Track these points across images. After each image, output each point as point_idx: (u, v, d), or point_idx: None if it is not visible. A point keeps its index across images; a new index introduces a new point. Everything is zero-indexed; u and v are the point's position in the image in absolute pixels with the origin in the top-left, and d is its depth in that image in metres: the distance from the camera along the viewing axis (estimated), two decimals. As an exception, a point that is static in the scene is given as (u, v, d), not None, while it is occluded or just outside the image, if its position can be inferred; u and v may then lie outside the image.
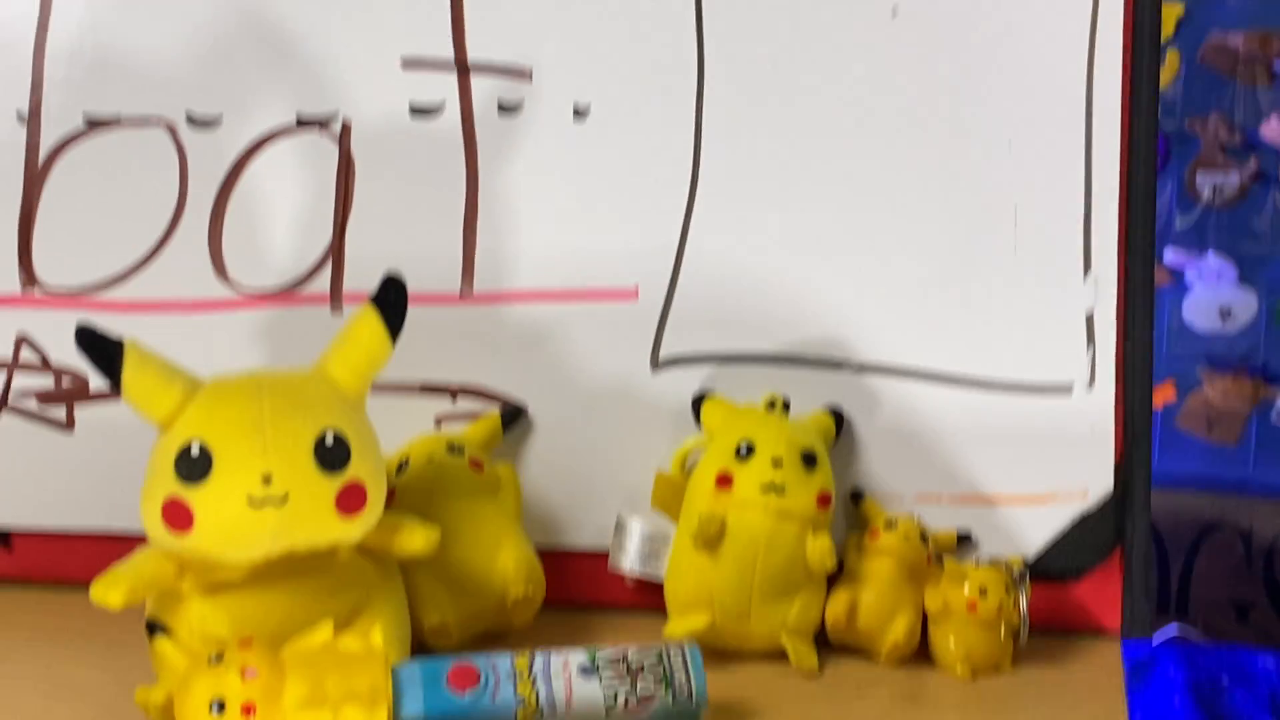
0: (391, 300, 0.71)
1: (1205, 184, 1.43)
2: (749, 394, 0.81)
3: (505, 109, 0.83)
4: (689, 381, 0.83)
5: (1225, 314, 1.44)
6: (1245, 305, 1.44)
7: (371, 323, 0.70)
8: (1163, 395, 1.45)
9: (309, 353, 0.71)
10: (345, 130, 0.83)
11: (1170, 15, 1.37)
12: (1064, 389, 0.81)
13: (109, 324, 0.68)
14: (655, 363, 0.83)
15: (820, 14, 0.81)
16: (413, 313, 0.71)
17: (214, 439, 0.66)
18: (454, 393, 0.84)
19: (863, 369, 0.82)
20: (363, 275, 0.80)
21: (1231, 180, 1.42)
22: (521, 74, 0.83)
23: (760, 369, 0.83)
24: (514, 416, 0.83)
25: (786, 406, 0.80)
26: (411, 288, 0.71)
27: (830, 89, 0.82)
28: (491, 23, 0.83)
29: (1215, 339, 1.44)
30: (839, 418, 0.82)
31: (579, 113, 0.83)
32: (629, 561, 0.80)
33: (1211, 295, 1.44)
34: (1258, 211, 1.43)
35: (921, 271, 0.81)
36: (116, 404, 0.68)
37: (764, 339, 0.82)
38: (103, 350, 0.68)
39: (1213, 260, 1.44)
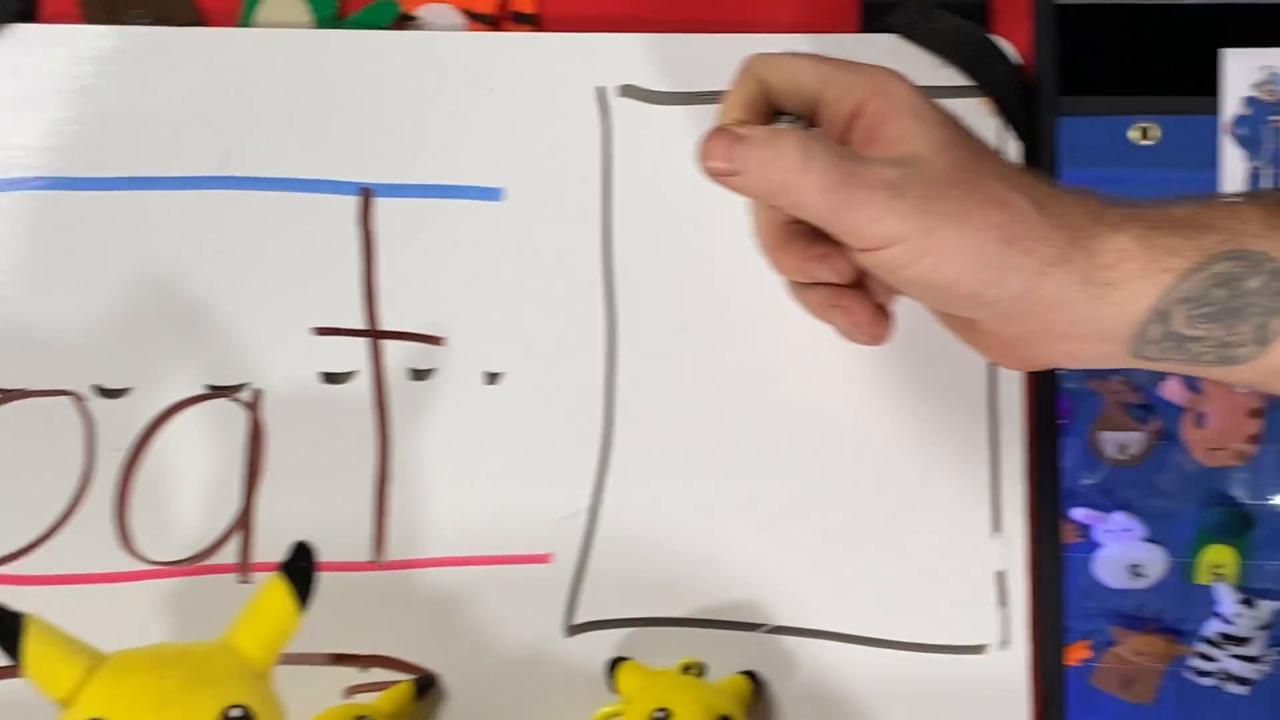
0: (301, 569, 0.69)
1: (1109, 442, 1.45)
2: (664, 658, 0.80)
3: (417, 375, 0.83)
4: (604, 647, 0.82)
5: (1135, 571, 1.45)
6: (1155, 562, 1.45)
7: (280, 593, 0.69)
8: (1077, 653, 1.45)
9: (217, 623, 0.70)
10: (256, 398, 0.83)
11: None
12: (977, 649, 0.81)
13: (11, 598, 0.66)
14: (569, 628, 0.82)
15: (727, 277, 0.83)
16: (323, 581, 0.70)
17: (116, 716, 0.64)
18: (365, 662, 0.82)
19: (778, 631, 0.82)
20: (272, 544, 0.79)
21: (1135, 439, 1.44)
22: (434, 341, 0.83)
23: (676, 633, 0.82)
24: (426, 685, 0.81)
25: (703, 670, 0.80)
26: (322, 556, 0.70)
27: (738, 353, 0.83)
28: (404, 291, 0.83)
29: (1127, 596, 1.45)
30: (756, 681, 0.81)
31: (491, 379, 0.83)
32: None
33: (1121, 552, 1.45)
34: (1162, 469, 1.45)
35: (832, 534, 0.82)
36: (16, 681, 0.66)
37: (679, 602, 0.82)
38: (3, 625, 0.66)
39: (1121, 518, 1.46)
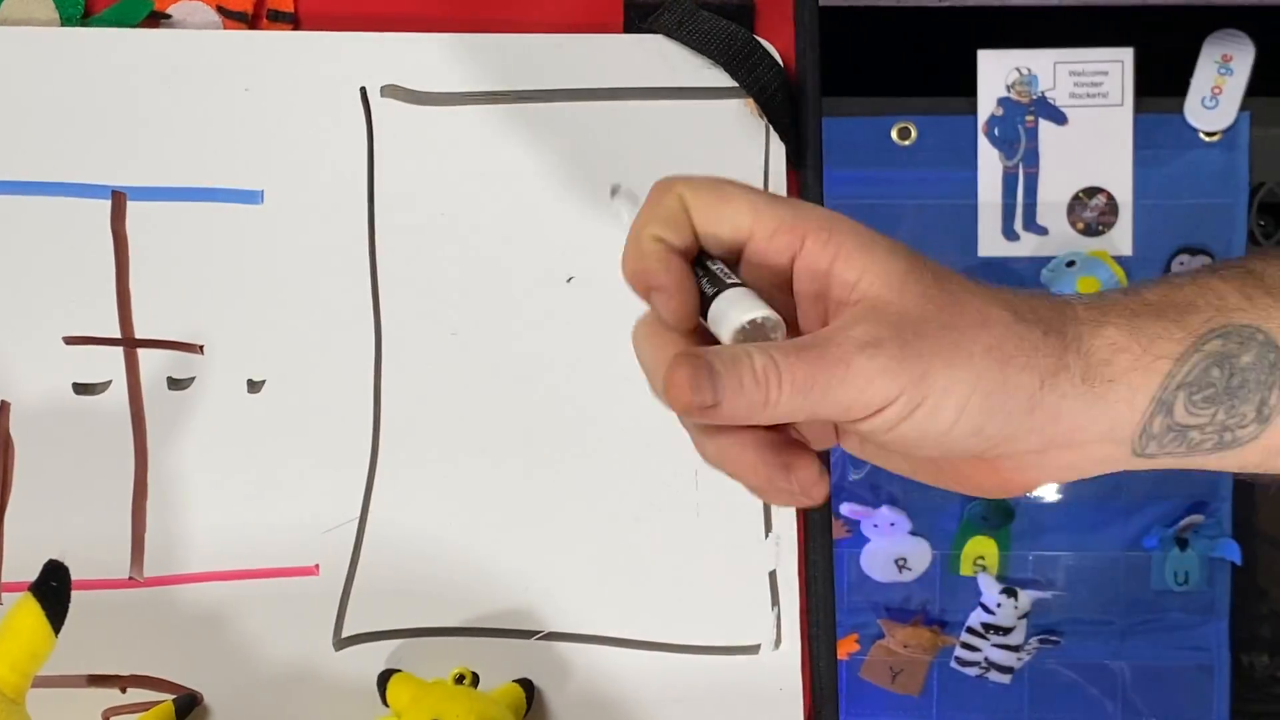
0: (54, 589, 0.67)
1: (875, 438, 1.48)
2: (437, 669, 0.80)
3: (176, 384, 0.81)
4: (374, 659, 0.81)
5: (902, 565, 1.48)
6: (920, 555, 1.48)
7: (32, 614, 0.67)
8: (846, 647, 1.48)
9: (-38, 649, 0.67)
10: (3, 410, 0.80)
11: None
12: (751, 649, 0.82)
13: None
14: (338, 641, 0.81)
15: (496, 282, 0.82)
16: (78, 600, 0.68)
17: None
18: (124, 683, 0.80)
19: (551, 638, 0.81)
20: (22, 563, 0.77)
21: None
22: (192, 349, 0.81)
23: (447, 642, 0.81)
24: (188, 706, 0.79)
25: (476, 680, 0.79)
26: (76, 574, 0.68)
27: (508, 357, 0.82)
28: (160, 298, 0.81)
29: (893, 589, 1.48)
30: (530, 688, 0.81)
31: (254, 387, 0.81)
32: None
33: (888, 546, 1.48)
34: (925, 463, 1.48)
35: (605, 539, 0.82)
36: None
37: (450, 612, 0.81)
38: None
39: (887, 512, 1.49)
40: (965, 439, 0.56)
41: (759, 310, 0.55)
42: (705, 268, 0.58)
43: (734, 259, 0.58)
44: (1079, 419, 0.57)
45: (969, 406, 0.55)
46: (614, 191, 0.68)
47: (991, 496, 0.63)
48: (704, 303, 0.57)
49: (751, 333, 0.55)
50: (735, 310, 0.55)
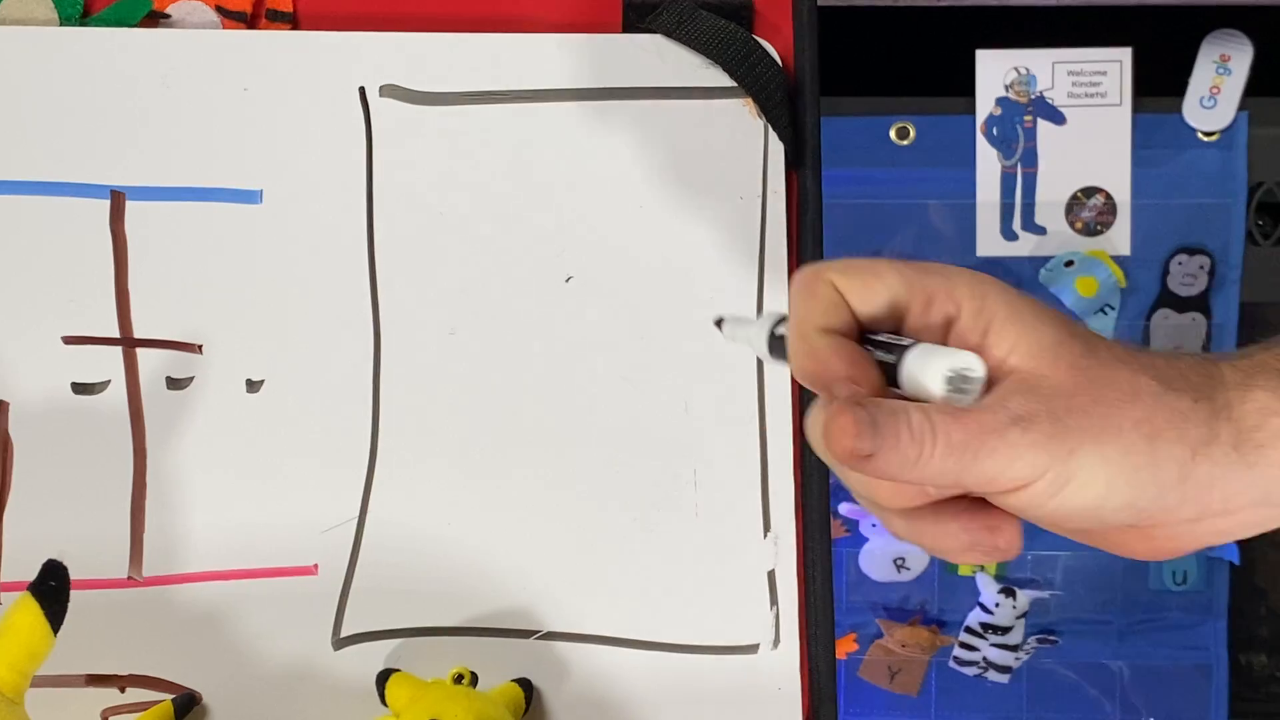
0: (52, 589, 0.67)
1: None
2: (435, 669, 0.79)
3: (174, 384, 0.81)
4: (373, 659, 0.81)
5: (900, 564, 1.48)
6: (919, 555, 1.48)
7: (31, 614, 0.67)
8: (844, 647, 1.48)
9: (-39, 649, 0.67)
10: (2, 410, 0.80)
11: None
12: (750, 649, 0.82)
13: None
14: (337, 641, 0.81)
15: (495, 281, 0.82)
16: (77, 600, 0.68)
17: None
18: (123, 683, 0.80)
19: (550, 637, 0.81)
20: (21, 563, 0.77)
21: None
22: (191, 348, 0.81)
23: (446, 642, 0.81)
24: (187, 705, 0.79)
25: (474, 679, 0.79)
26: (75, 574, 0.68)
27: (507, 357, 0.82)
28: (158, 298, 0.81)
29: (892, 589, 1.48)
30: (528, 688, 0.80)
31: (252, 386, 0.81)
32: None
33: (886, 546, 1.48)
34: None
35: (604, 538, 0.82)
36: None
37: (449, 612, 0.81)
38: None
39: (885, 512, 1.48)
40: (1116, 513, 0.56)
41: (958, 356, 0.55)
42: (874, 343, 0.57)
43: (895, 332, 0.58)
44: (1232, 487, 0.56)
45: (1117, 482, 0.55)
46: (719, 324, 0.67)
47: (1145, 559, 0.63)
48: (887, 374, 0.56)
49: (957, 381, 0.55)
50: (936, 360, 0.55)
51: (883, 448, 0.54)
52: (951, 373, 0.54)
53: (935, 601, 1.49)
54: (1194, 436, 0.55)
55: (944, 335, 0.57)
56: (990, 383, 0.55)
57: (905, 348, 0.56)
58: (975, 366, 0.55)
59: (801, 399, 0.82)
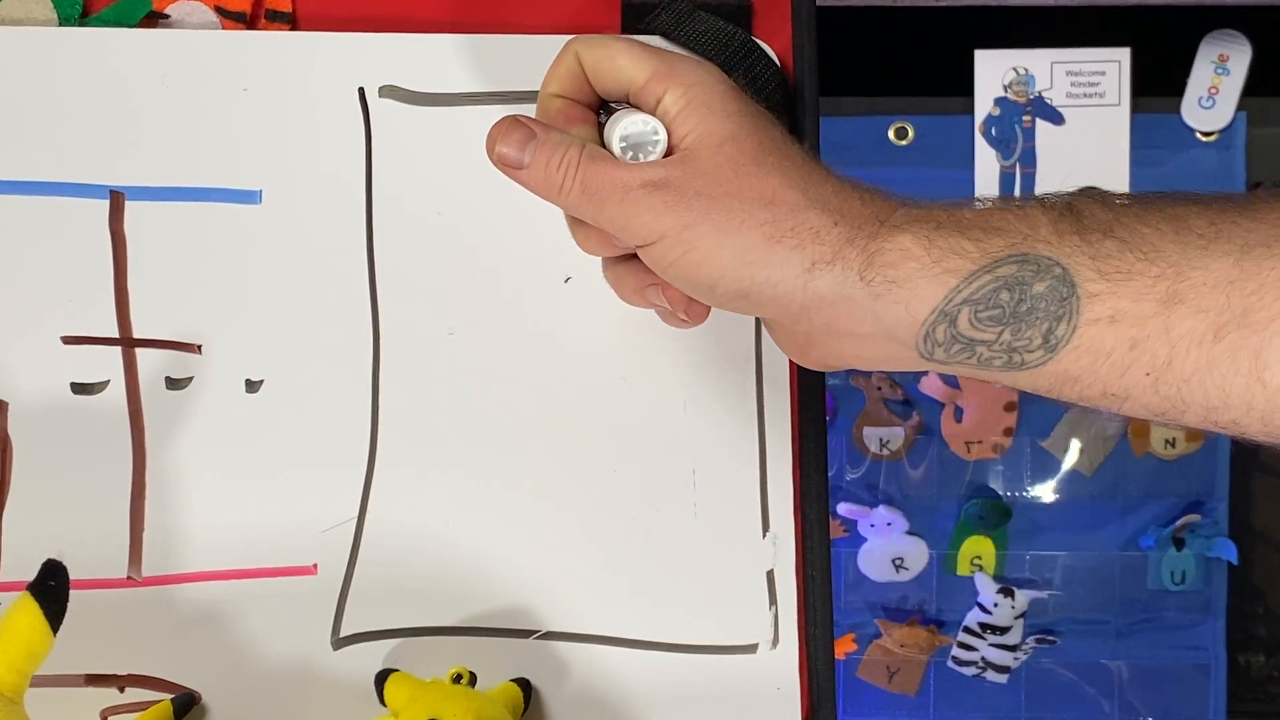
0: (51, 588, 0.67)
1: (872, 438, 1.48)
2: (434, 669, 0.79)
3: (174, 384, 0.81)
4: (372, 658, 0.81)
5: (899, 564, 1.48)
6: (917, 555, 1.48)
7: (30, 613, 0.67)
8: (843, 647, 1.48)
9: (-39, 649, 0.67)
10: (1, 410, 0.80)
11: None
12: (749, 649, 0.82)
13: None
14: (336, 641, 0.81)
15: (493, 280, 0.82)
16: (76, 600, 0.68)
17: None
18: (122, 682, 0.80)
19: (549, 637, 0.81)
20: (21, 563, 0.77)
21: (897, 434, 1.47)
22: (190, 348, 0.81)
23: (445, 642, 0.81)
24: (186, 705, 0.79)
25: (473, 679, 0.79)
26: (74, 573, 0.69)
27: (505, 356, 0.82)
28: (158, 298, 0.81)
29: (890, 589, 1.48)
30: (527, 688, 0.80)
31: (252, 387, 0.81)
32: None
33: (884, 546, 1.48)
34: (923, 463, 1.49)
35: (603, 538, 0.82)
36: None
37: (448, 611, 0.81)
38: None
39: (884, 512, 1.49)
40: (732, 298, 0.64)
41: (638, 120, 0.65)
42: (608, 109, 0.68)
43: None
44: (856, 311, 0.62)
45: (731, 269, 0.63)
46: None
47: (810, 367, 0.71)
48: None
49: (635, 141, 0.65)
50: (623, 121, 0.65)
51: (533, 165, 0.65)
52: (627, 132, 0.65)
53: (934, 601, 1.49)
54: (816, 252, 0.62)
55: (654, 110, 0.66)
56: (670, 153, 0.65)
57: (613, 112, 0.67)
58: (655, 129, 0.65)
59: (801, 399, 0.82)
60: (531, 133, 0.65)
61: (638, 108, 0.66)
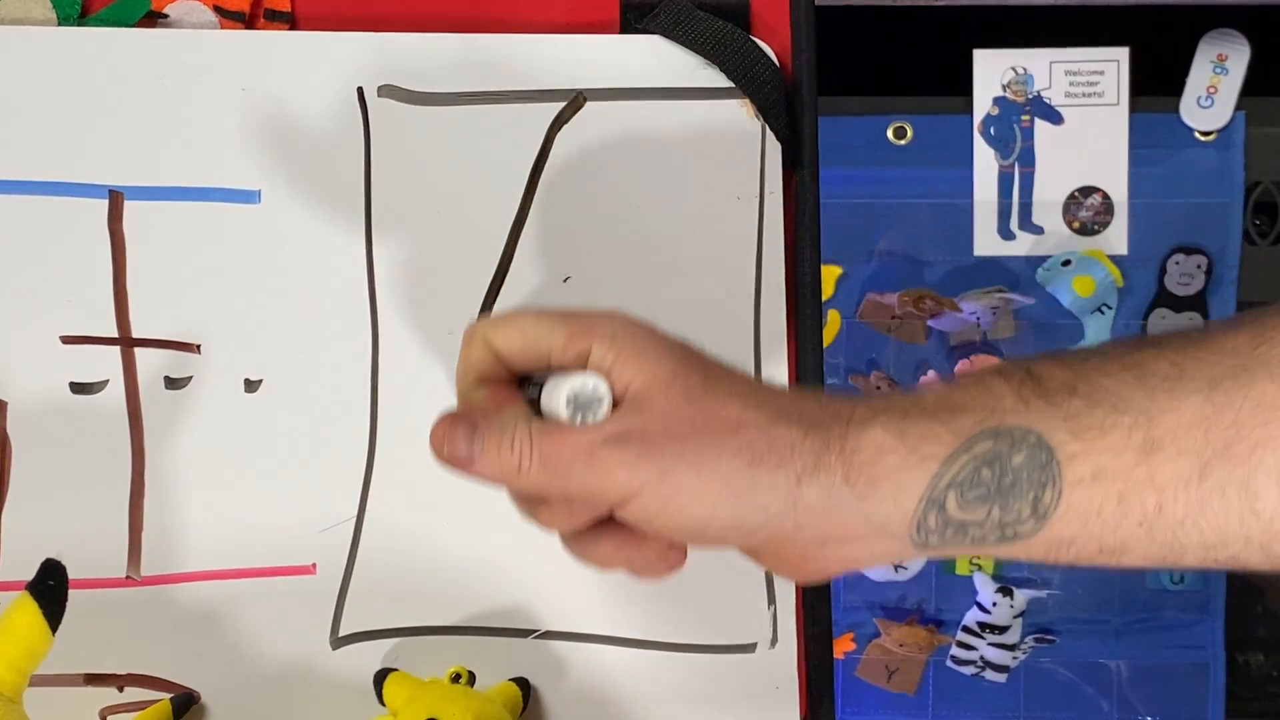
0: (51, 588, 0.68)
1: (871, 437, 1.48)
2: (433, 668, 0.80)
3: (173, 383, 0.81)
4: (371, 658, 0.81)
5: (897, 564, 1.48)
6: (916, 554, 1.48)
7: (29, 613, 0.67)
8: (842, 646, 1.48)
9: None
10: (0, 410, 0.80)
11: (830, 276, 1.43)
12: (748, 648, 0.82)
13: None
14: (335, 640, 0.81)
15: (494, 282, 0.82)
16: (75, 599, 0.69)
17: None
18: (121, 682, 0.80)
19: (547, 636, 0.81)
20: (20, 563, 0.76)
21: (895, 433, 1.47)
22: (189, 348, 0.81)
23: (444, 641, 0.81)
24: (186, 704, 0.79)
25: (472, 679, 0.79)
26: (73, 573, 0.69)
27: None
28: (157, 297, 0.81)
29: (889, 588, 1.48)
30: (526, 687, 0.80)
31: (251, 386, 0.81)
32: None
33: (883, 545, 1.48)
34: (921, 463, 1.48)
35: (603, 536, 0.81)
36: None
37: (446, 611, 0.81)
38: None
39: (882, 511, 1.48)
40: (724, 531, 0.61)
41: (578, 379, 0.62)
42: (528, 384, 0.65)
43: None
44: (846, 516, 0.60)
45: (720, 504, 0.60)
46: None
47: (806, 582, 0.68)
48: (539, 410, 0.64)
49: (582, 403, 0.61)
50: (562, 385, 0.62)
51: (484, 455, 0.61)
52: (573, 394, 0.61)
53: (932, 601, 1.49)
54: (799, 466, 0.60)
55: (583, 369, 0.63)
56: (616, 408, 0.61)
57: (543, 382, 0.63)
58: (594, 386, 0.61)
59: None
60: (474, 423, 0.62)
61: (561, 371, 0.63)
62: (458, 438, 0.62)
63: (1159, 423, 0.58)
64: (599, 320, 0.63)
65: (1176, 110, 1.42)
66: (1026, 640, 1.48)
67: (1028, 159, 1.44)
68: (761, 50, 0.83)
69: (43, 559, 0.68)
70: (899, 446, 0.60)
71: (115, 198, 0.81)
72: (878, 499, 0.60)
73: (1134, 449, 0.58)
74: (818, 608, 0.82)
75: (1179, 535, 0.59)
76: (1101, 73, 1.42)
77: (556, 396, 0.62)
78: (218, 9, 0.83)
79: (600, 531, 0.64)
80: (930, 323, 1.45)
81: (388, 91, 0.82)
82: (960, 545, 0.61)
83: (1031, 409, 0.60)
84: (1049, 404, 0.60)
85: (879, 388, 1.46)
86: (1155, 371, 0.59)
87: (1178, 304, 1.44)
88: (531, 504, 0.65)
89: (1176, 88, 1.42)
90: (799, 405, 0.62)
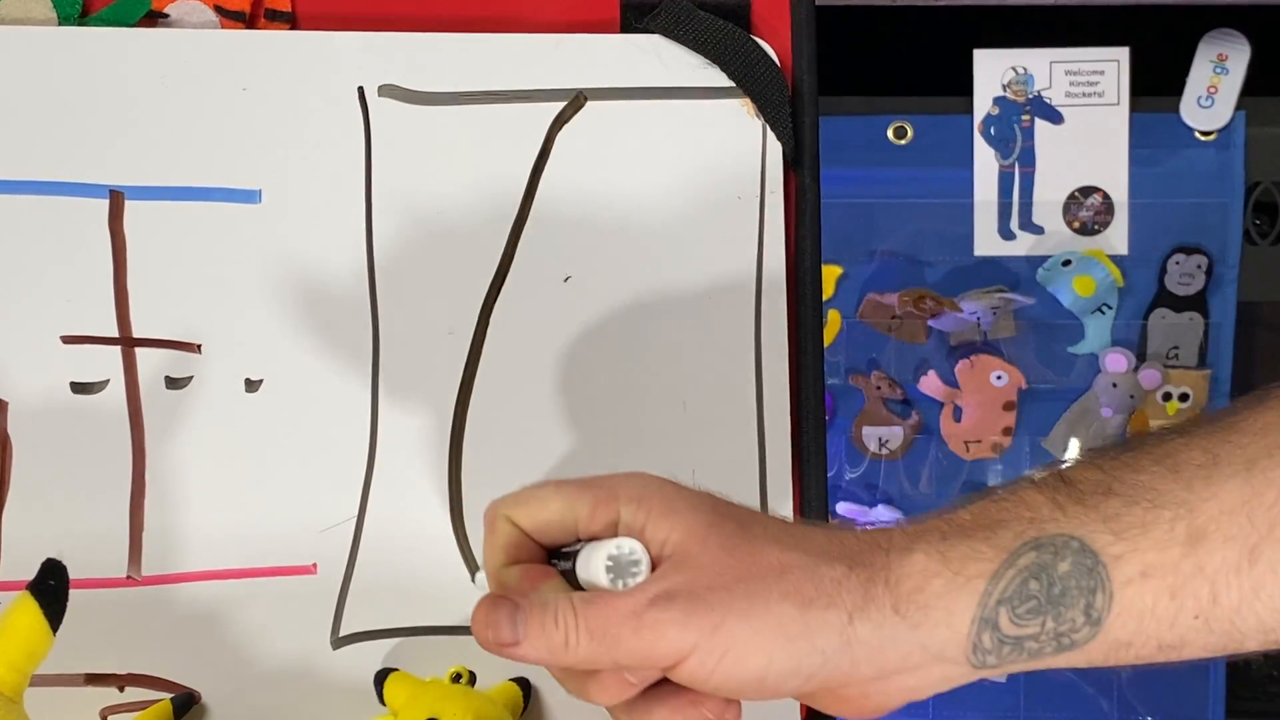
0: (51, 588, 0.67)
1: (872, 437, 1.48)
2: (433, 668, 0.79)
3: (173, 383, 0.81)
4: (372, 658, 0.81)
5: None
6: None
7: (30, 613, 0.67)
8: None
9: (-40, 648, 0.67)
10: (1, 410, 0.80)
11: (830, 275, 1.43)
12: (749, 648, 0.81)
13: None
14: (336, 640, 0.81)
15: (493, 282, 0.82)
16: (75, 599, 0.68)
17: None
18: (121, 682, 0.80)
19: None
20: (21, 562, 0.76)
21: (896, 433, 1.47)
22: (190, 348, 0.81)
23: (445, 641, 0.81)
24: (186, 704, 0.79)
25: (473, 679, 0.79)
26: (74, 573, 0.69)
27: (496, 356, 0.82)
28: (157, 297, 0.81)
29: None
30: (526, 687, 0.80)
31: (251, 386, 0.81)
32: None
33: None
34: (922, 462, 1.49)
35: (603, 536, 0.81)
36: None
37: (447, 611, 0.81)
38: None
39: (883, 511, 1.49)
40: (784, 680, 0.59)
41: (613, 544, 0.60)
42: (558, 556, 0.64)
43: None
44: (902, 647, 0.59)
45: (776, 651, 0.58)
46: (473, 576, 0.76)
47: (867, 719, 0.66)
48: (573, 581, 0.62)
49: (620, 568, 0.60)
50: (597, 553, 0.60)
51: (529, 635, 0.59)
52: (611, 560, 0.60)
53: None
54: (848, 602, 0.58)
55: (614, 535, 0.61)
56: (655, 568, 0.60)
57: (576, 552, 0.62)
58: (631, 549, 0.60)
59: (801, 399, 0.82)
60: (514, 605, 0.60)
61: (592, 539, 0.62)
62: (500, 621, 0.60)
63: (1200, 511, 0.58)
64: (622, 484, 0.62)
65: (1176, 110, 1.42)
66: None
67: (1028, 159, 1.44)
68: (762, 50, 0.83)
69: (43, 559, 0.68)
70: (943, 570, 0.59)
71: (115, 198, 0.81)
72: (930, 625, 0.59)
73: (1179, 542, 0.58)
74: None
75: (1236, 623, 0.58)
76: (1101, 73, 1.42)
77: (594, 565, 0.60)
78: (218, 9, 0.83)
79: (652, 697, 0.62)
80: (930, 323, 1.45)
81: (388, 91, 0.82)
82: (1018, 661, 0.60)
83: (1070, 515, 0.59)
84: (1086, 508, 0.59)
85: (878, 387, 1.46)
86: (1188, 461, 0.59)
87: (1178, 304, 1.44)
88: (581, 679, 0.62)
89: (1176, 88, 1.42)
90: (836, 541, 0.61)
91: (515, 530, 0.64)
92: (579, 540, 0.63)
